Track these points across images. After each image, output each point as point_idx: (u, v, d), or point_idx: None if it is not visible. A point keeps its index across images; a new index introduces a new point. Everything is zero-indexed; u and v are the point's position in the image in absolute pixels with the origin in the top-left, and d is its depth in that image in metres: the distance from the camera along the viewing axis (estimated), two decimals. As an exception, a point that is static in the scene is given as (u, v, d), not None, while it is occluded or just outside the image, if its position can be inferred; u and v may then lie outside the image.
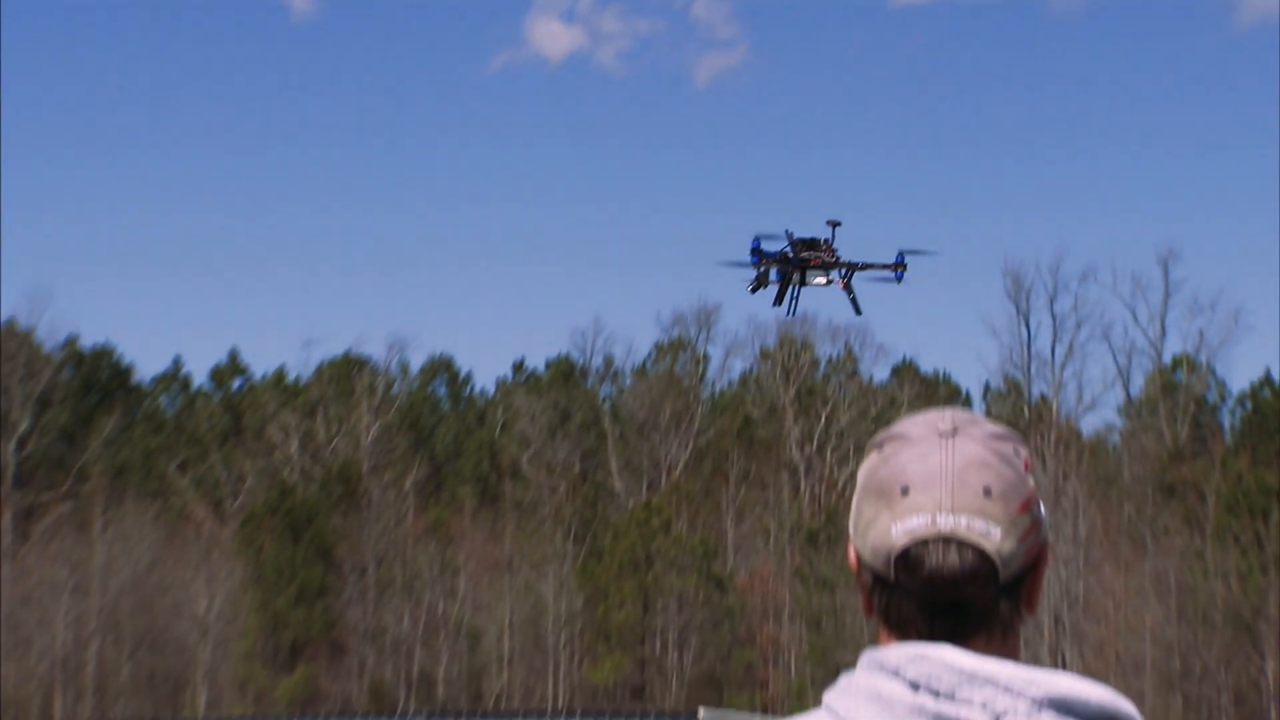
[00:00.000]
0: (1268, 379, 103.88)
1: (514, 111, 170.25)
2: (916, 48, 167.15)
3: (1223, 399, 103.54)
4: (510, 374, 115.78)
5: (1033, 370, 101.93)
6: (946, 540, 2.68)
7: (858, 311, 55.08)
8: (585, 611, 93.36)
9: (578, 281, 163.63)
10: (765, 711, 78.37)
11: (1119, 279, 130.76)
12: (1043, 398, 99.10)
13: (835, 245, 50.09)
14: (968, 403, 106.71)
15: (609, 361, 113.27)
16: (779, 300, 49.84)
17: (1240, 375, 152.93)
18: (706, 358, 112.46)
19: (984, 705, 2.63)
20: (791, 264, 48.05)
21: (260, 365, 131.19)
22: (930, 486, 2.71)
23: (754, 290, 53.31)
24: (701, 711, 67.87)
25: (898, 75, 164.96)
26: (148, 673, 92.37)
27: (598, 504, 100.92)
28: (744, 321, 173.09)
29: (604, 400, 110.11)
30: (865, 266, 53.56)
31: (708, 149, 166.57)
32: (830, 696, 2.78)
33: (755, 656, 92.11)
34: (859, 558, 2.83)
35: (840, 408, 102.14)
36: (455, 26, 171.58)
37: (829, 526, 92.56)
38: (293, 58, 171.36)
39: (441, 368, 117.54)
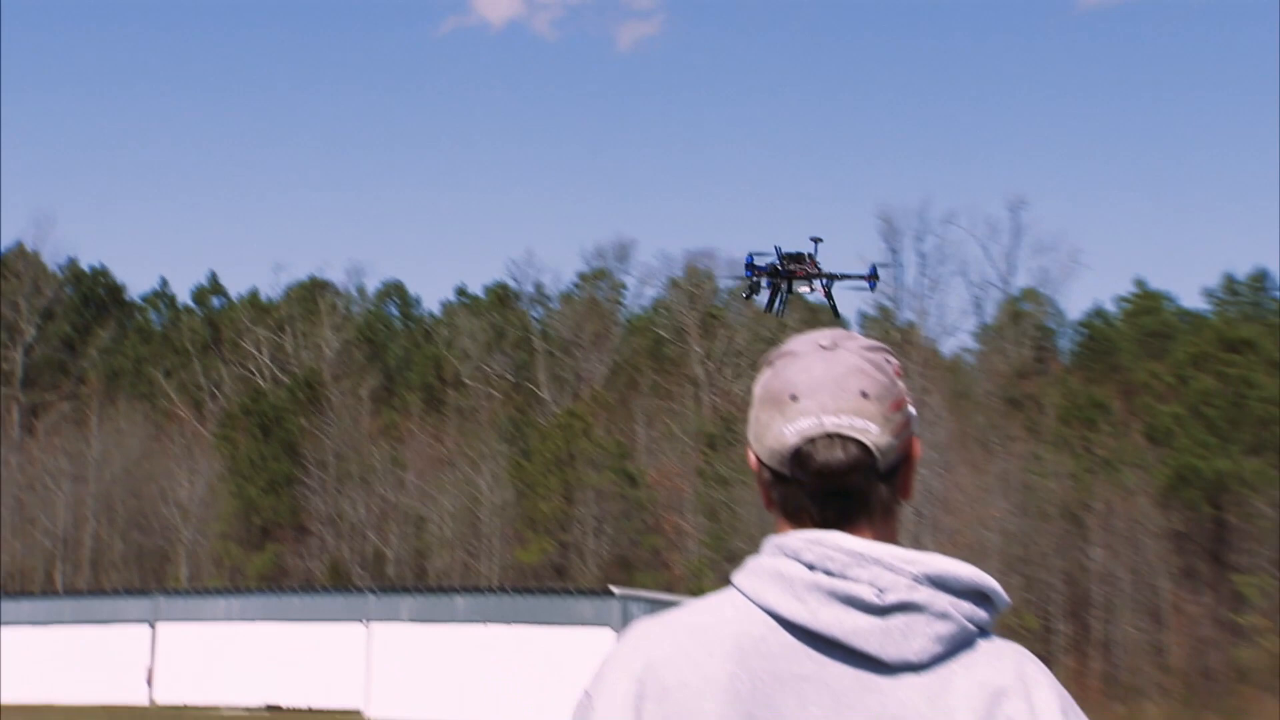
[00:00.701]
0: (1099, 310, 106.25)
1: (462, 68, 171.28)
2: (807, 7, 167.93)
3: (1060, 326, 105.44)
4: (454, 297, 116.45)
5: (901, 300, 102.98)
6: (831, 437, 2.75)
7: (836, 315, 56.46)
8: (516, 502, 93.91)
9: (514, 217, 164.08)
10: (669, 589, 77.19)
11: (975, 222, 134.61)
12: (909, 324, 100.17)
13: (818, 258, 51.34)
14: (845, 327, 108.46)
15: (539, 288, 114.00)
16: (769, 307, 51.03)
17: (1076, 305, 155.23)
18: (623, 286, 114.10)
19: (870, 582, 2.70)
20: (780, 275, 49.04)
21: (237, 286, 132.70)
22: (816, 393, 2.79)
23: (747, 297, 54.87)
24: (614, 589, 67.32)
25: (795, 37, 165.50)
26: (136, 549, 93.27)
27: (528, 411, 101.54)
28: (656, 254, 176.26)
29: (535, 321, 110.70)
30: (843, 277, 54.96)
31: (628, 105, 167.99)
32: (738, 578, 2.87)
33: (661, 542, 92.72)
34: (758, 459, 2.91)
35: (737, 330, 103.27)
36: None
37: (726, 431, 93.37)
38: (262, 16, 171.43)
39: (394, 291, 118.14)
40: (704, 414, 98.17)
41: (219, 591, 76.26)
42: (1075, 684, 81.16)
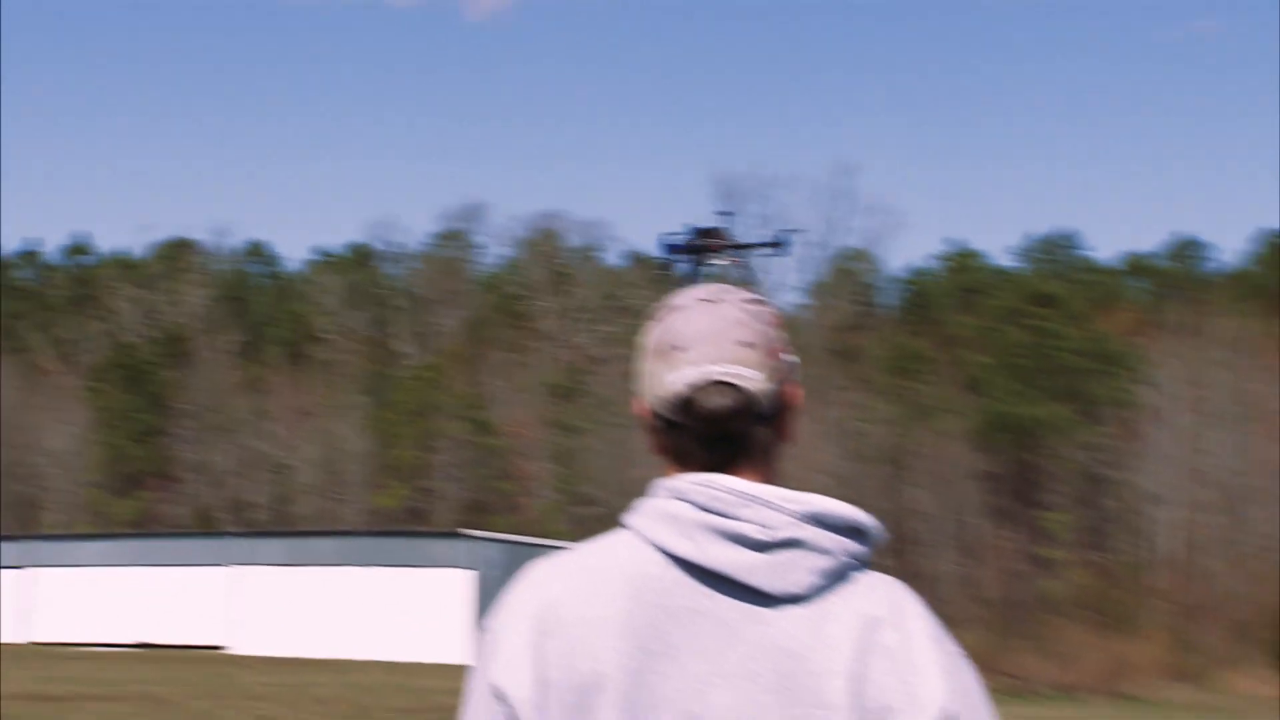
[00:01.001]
0: (918, 268, 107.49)
1: (319, 35, 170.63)
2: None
3: (883, 283, 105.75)
4: (316, 256, 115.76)
5: (735, 261, 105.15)
6: (715, 384, 2.73)
7: (750, 283, 56.18)
8: (375, 451, 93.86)
9: (374, 180, 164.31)
10: (521, 532, 76.30)
11: (804, 187, 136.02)
12: (743, 282, 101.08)
13: (728, 231, 51.43)
14: (686, 284, 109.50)
15: (396, 247, 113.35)
16: (690, 280, 51.08)
17: (898, 263, 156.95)
18: (477, 245, 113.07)
19: (756, 520, 2.68)
20: (695, 251, 49.10)
21: (105, 245, 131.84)
22: (699, 343, 2.76)
23: (663, 274, 54.95)
24: (465, 531, 67.32)
25: (638, 7, 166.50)
26: (10, 496, 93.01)
27: (386, 364, 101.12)
28: (507, 216, 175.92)
29: (392, 279, 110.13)
30: (754, 246, 55.21)
31: (477, 71, 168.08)
32: (630, 519, 2.85)
33: (513, 487, 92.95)
34: (646, 408, 2.89)
35: (584, 287, 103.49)
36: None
37: (574, 382, 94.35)
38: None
39: (257, 250, 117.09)
40: (553, 367, 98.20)
41: (90, 536, 76.00)
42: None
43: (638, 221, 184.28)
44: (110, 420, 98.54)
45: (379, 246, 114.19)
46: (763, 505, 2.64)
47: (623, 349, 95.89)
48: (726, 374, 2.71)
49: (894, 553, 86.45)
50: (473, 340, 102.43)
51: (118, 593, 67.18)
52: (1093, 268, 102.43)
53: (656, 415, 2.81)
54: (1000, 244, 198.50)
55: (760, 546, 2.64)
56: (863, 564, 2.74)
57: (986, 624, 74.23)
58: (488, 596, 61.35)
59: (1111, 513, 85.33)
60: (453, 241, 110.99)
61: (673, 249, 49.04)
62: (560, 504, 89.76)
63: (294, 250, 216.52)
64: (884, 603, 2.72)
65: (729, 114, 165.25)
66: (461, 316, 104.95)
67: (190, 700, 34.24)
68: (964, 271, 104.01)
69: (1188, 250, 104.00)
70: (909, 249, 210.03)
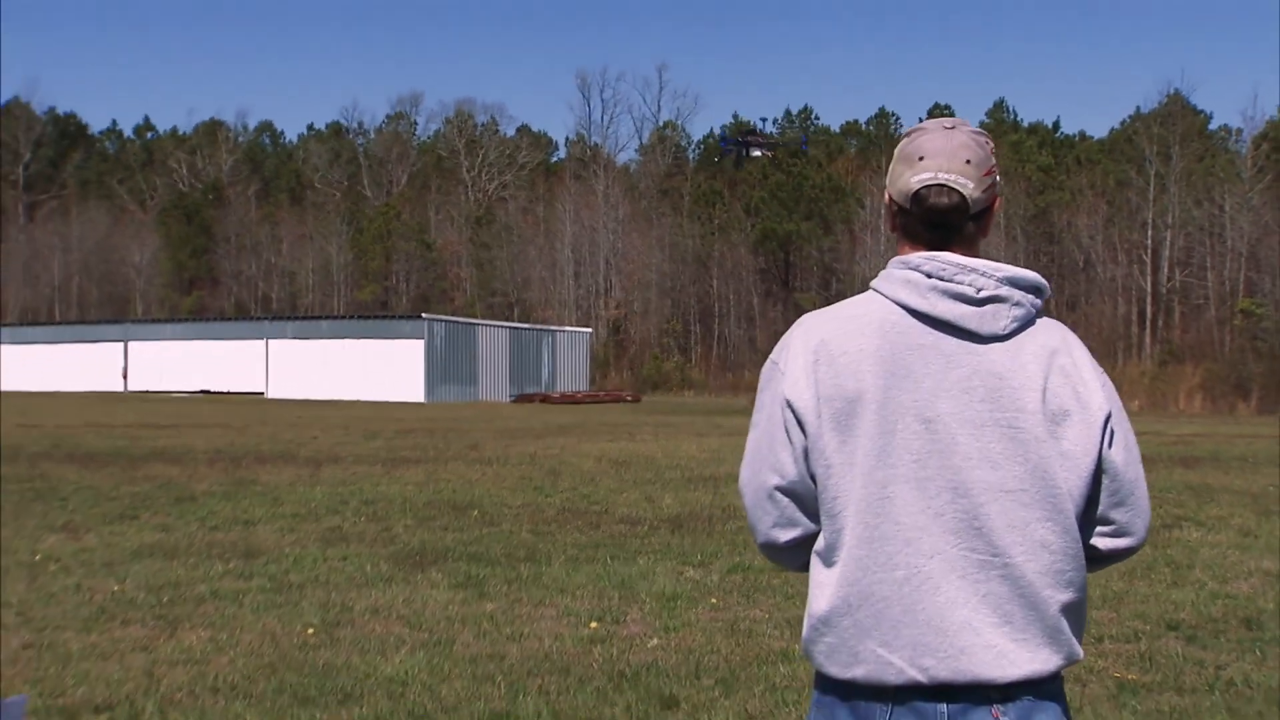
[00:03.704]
0: (711, 134, 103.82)
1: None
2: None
3: (690, 145, 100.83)
4: (305, 131, 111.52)
5: (592, 129, 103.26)
6: (942, 186, 2.59)
7: (772, 163, 53.96)
8: (353, 262, 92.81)
9: (348, 73, 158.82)
10: (454, 314, 74.82)
11: (636, 78, 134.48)
12: (597, 144, 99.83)
13: (765, 131, 50.16)
14: (554, 148, 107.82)
15: (361, 124, 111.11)
16: (736, 164, 50.21)
17: (699, 131, 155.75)
18: (415, 122, 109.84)
19: (970, 283, 2.56)
20: (742, 145, 47.69)
21: (165, 123, 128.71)
22: (935, 156, 2.61)
23: (720, 159, 53.84)
24: (422, 315, 66.68)
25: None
26: (108, 295, 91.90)
27: (359, 204, 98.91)
28: (438, 102, 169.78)
29: (360, 146, 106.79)
30: (781, 143, 54.20)
31: None
32: (875, 283, 2.67)
33: (447, 285, 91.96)
34: (891, 198, 2.69)
35: (489, 151, 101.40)
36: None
37: (486, 216, 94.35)
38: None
39: (269, 125, 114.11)
40: (471, 204, 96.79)
41: (164, 320, 75.28)
42: (701, 365, 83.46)
43: (520, 103, 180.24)
44: (173, 243, 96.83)
45: (350, 123, 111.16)
46: (975, 272, 2.58)
47: (519, 193, 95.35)
48: (950, 181, 2.61)
49: (700, 323, 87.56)
50: (417, 187, 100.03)
51: (185, 357, 66.67)
52: (827, 131, 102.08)
53: (897, 204, 2.69)
54: (770, 114, 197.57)
55: (974, 301, 2.57)
56: (1041, 312, 2.64)
57: (759, 367, 75.19)
58: (433, 359, 61.48)
59: (840, 292, 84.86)
60: (400, 120, 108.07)
61: (728, 143, 48.30)
62: (479, 296, 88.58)
63: (292, 126, 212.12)
64: (1057, 337, 2.64)
65: (592, 21, 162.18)
66: (410, 170, 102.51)
67: (248, 425, 34.47)
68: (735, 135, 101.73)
69: (883, 119, 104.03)
70: (711, 121, 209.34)
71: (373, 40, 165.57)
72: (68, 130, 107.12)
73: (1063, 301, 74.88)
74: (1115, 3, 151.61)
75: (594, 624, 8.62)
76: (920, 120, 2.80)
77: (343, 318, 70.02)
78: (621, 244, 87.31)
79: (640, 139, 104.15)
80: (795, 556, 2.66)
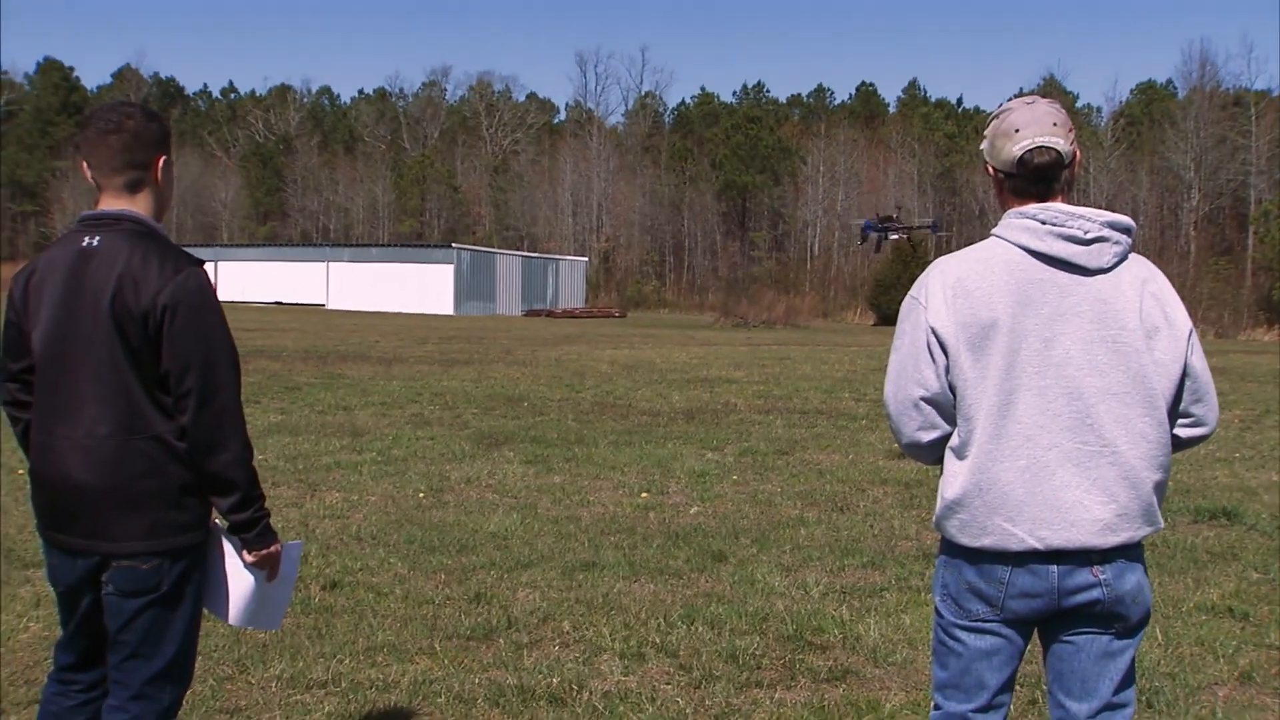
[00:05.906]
0: (685, 103, 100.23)
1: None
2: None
3: (666, 111, 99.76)
4: (356, 94, 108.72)
5: (587, 97, 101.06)
6: (1041, 148, 2.52)
7: (914, 250, 52.06)
8: (396, 201, 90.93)
9: (394, 46, 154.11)
10: (476, 244, 73.37)
11: (624, 57, 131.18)
12: (591, 110, 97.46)
13: (900, 218, 48.00)
14: (557, 112, 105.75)
15: (401, 91, 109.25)
16: (876, 248, 48.34)
17: (674, 100, 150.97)
18: (445, 90, 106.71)
19: (1078, 228, 2.49)
20: (881, 230, 45.87)
21: (245, 86, 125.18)
22: (1029, 126, 2.54)
23: (862, 243, 51.70)
24: (453, 245, 64.90)
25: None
26: (200, 224, 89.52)
27: (400, 154, 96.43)
28: (464, 74, 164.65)
29: (400, 108, 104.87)
30: (919, 228, 51.94)
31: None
32: (997, 231, 2.59)
33: (470, 221, 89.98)
34: (995, 169, 2.61)
35: (504, 114, 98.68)
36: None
37: (502, 166, 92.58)
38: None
39: (327, 89, 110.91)
40: (490, 156, 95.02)
41: (244, 245, 74.23)
42: (674, 288, 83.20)
43: (541, 74, 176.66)
44: (251, 183, 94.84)
45: (393, 89, 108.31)
46: (1082, 218, 2.53)
47: (528, 147, 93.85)
48: (1046, 142, 2.56)
49: (674, 256, 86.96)
50: (447, 141, 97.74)
51: (262, 275, 65.91)
52: (775, 102, 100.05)
53: (1003, 173, 2.61)
54: (731, 88, 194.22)
55: (1082, 242, 2.53)
56: (1132, 249, 2.60)
57: (721, 290, 74.97)
58: (460, 280, 60.63)
59: (787, 231, 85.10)
60: (433, 88, 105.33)
61: (870, 227, 46.79)
62: (496, 230, 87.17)
63: (347, 90, 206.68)
64: (1146, 270, 2.59)
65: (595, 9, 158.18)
66: (440, 128, 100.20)
67: (319, 330, 34.29)
68: (702, 104, 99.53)
69: (821, 92, 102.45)
70: (681, 91, 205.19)
71: (412, 22, 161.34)
72: (168, 91, 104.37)
73: (962, 241, 74.78)
74: (1007, 4, 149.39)
75: (644, 494, 8.55)
76: (1005, 102, 2.68)
77: (387, 245, 68.82)
78: (611, 190, 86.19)
79: (626, 105, 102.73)
80: (933, 452, 2.62)
